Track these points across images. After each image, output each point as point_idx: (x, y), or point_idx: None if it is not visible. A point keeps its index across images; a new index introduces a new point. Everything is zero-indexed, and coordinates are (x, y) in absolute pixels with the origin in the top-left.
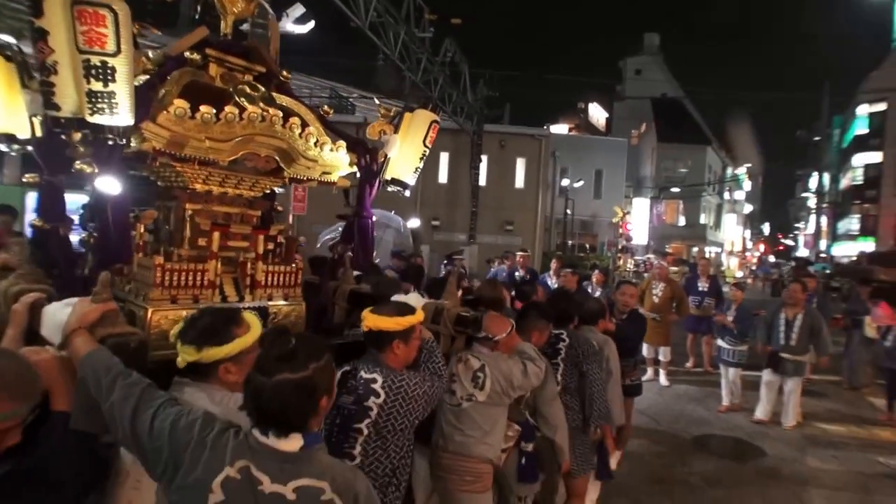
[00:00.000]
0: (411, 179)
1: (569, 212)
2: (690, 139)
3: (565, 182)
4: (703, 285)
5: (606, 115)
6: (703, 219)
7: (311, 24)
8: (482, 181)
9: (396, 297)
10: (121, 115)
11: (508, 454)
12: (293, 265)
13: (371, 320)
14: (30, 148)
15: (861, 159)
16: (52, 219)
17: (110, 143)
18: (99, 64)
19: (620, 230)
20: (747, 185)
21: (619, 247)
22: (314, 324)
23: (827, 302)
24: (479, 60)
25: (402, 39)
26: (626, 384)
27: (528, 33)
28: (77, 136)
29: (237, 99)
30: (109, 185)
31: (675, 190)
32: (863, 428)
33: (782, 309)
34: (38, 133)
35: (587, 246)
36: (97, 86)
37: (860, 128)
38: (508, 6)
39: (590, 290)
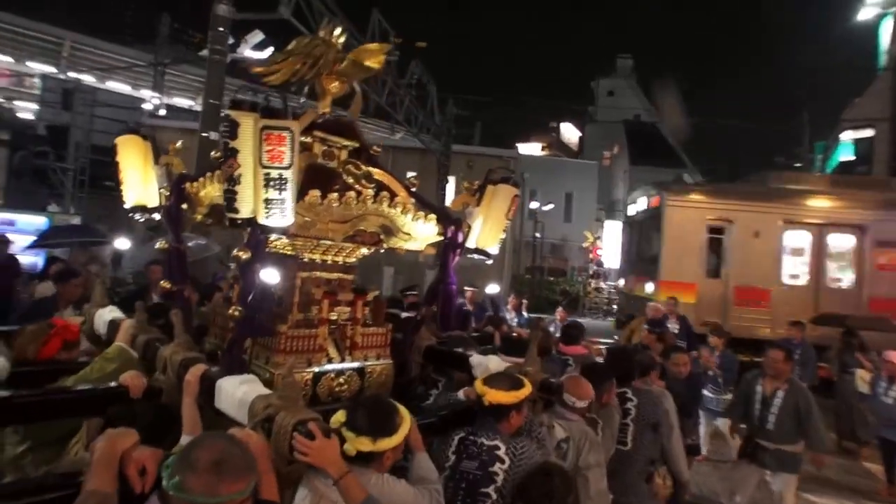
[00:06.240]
0: (494, 249)
1: (538, 235)
2: (664, 162)
3: (534, 204)
4: (672, 326)
5: (579, 134)
6: None
7: (271, 51)
8: (448, 202)
9: (476, 359)
10: (287, 217)
11: None
12: (383, 327)
13: (491, 395)
14: (156, 216)
15: None
16: (178, 281)
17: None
18: (276, 176)
19: (591, 255)
20: None
21: (591, 272)
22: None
23: (812, 355)
24: (450, 80)
25: None
26: (686, 444)
27: (502, 52)
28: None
29: (346, 178)
30: (268, 275)
31: None
32: (858, 502)
33: (759, 379)
34: (164, 203)
35: (558, 270)
36: (273, 194)
37: (845, 154)
38: (480, 27)
39: (553, 329)
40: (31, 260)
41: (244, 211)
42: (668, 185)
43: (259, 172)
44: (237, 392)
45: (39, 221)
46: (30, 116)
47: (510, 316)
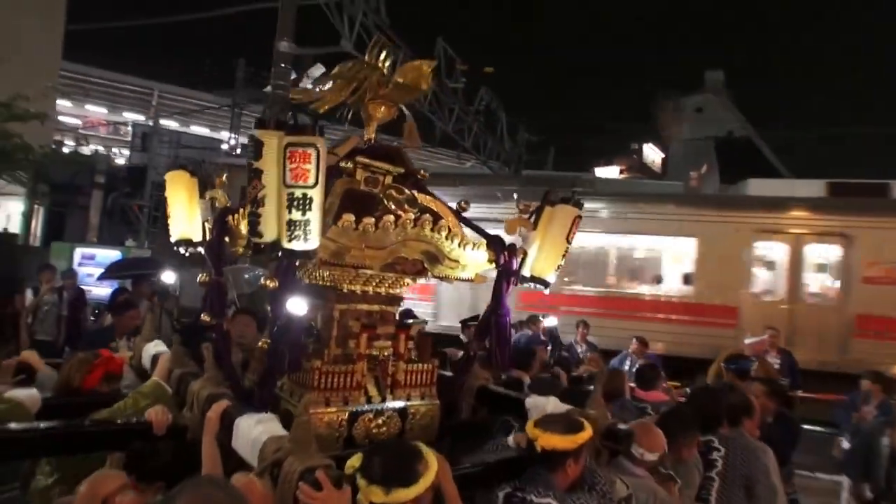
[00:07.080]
0: (552, 277)
1: None
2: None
3: None
4: (773, 360)
5: (662, 155)
6: None
7: (331, 84)
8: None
9: (532, 401)
10: (311, 240)
11: None
12: (429, 364)
13: (545, 439)
14: (200, 249)
15: None
16: (217, 315)
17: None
18: (300, 196)
19: None
20: None
21: None
22: (442, 420)
23: None
24: (523, 104)
25: (432, 90)
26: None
27: (579, 74)
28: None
29: (386, 203)
30: (295, 305)
31: None
32: None
33: (885, 430)
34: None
35: None
36: (296, 215)
37: None
38: (554, 54)
39: (627, 366)
40: (107, 291)
41: (267, 235)
42: None
43: (283, 193)
44: (253, 432)
45: (114, 255)
46: (121, 161)
47: (581, 349)
